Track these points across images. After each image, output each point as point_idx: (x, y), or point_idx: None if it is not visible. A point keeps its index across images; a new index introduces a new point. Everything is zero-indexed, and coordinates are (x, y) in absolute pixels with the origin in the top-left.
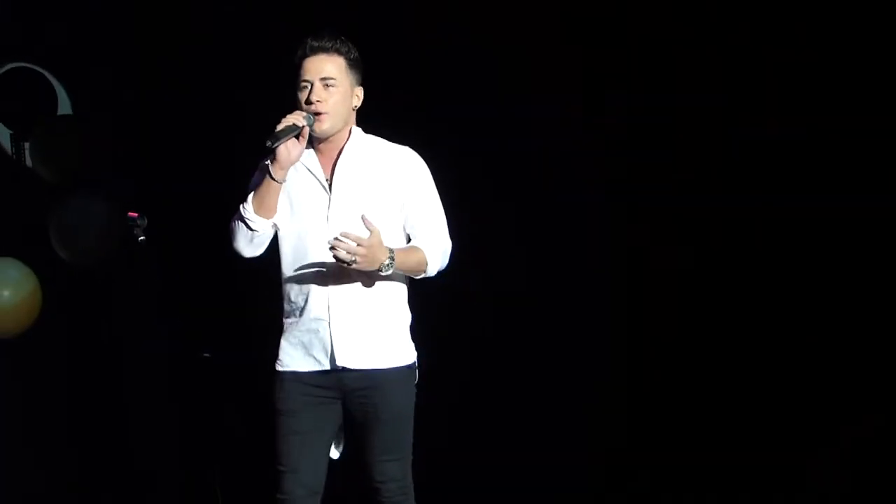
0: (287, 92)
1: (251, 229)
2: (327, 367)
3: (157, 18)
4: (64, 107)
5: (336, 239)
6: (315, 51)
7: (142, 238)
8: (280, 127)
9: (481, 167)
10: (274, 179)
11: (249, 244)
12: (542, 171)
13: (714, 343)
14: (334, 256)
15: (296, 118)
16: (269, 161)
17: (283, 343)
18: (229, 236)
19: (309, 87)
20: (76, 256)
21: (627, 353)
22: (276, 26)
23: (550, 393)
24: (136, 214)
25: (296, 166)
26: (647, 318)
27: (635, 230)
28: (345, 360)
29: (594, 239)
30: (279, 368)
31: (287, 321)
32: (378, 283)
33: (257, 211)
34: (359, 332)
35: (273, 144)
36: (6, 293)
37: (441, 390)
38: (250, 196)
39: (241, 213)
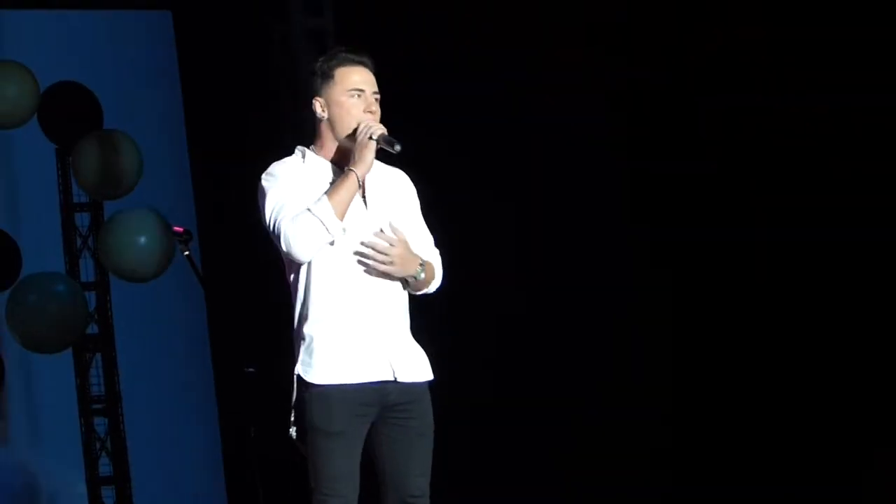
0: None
1: (331, 234)
2: (380, 378)
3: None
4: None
5: (373, 239)
6: (360, 63)
7: (187, 253)
8: (382, 132)
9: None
10: (359, 183)
11: (316, 249)
12: (547, 178)
13: (733, 358)
14: (369, 256)
15: (371, 126)
16: (352, 166)
17: (320, 355)
18: (289, 239)
19: (363, 96)
20: (122, 271)
21: (636, 364)
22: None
23: (556, 405)
24: (181, 230)
25: (312, 181)
26: (653, 327)
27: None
28: (401, 373)
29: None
30: (320, 382)
31: (318, 330)
32: (405, 297)
33: (338, 216)
34: (407, 344)
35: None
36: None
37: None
38: (325, 199)
39: (318, 218)
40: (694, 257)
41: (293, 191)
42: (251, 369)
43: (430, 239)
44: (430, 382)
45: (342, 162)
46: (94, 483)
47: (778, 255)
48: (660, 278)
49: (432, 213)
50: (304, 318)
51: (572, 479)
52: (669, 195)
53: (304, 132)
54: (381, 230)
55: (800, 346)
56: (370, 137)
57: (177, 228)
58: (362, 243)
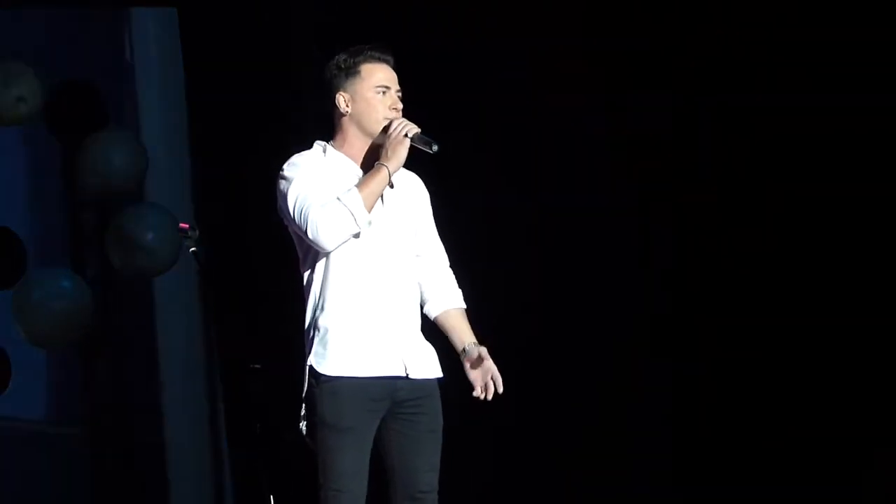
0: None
1: (358, 226)
2: (392, 374)
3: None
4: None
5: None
6: (385, 61)
7: (193, 249)
8: (417, 131)
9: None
10: (389, 178)
11: (342, 239)
12: (551, 179)
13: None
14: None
15: (406, 125)
16: (384, 161)
17: (334, 346)
18: (317, 226)
19: (388, 93)
20: (130, 267)
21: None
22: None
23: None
24: (187, 226)
25: (333, 176)
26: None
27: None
28: (413, 369)
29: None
30: (332, 373)
31: (333, 322)
32: (417, 296)
33: (367, 208)
34: (418, 342)
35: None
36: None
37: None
38: (356, 190)
39: (348, 208)
40: (696, 258)
41: (319, 180)
42: (257, 366)
43: (441, 247)
44: (439, 380)
45: (363, 158)
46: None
47: (780, 256)
48: (665, 280)
49: (438, 212)
50: (319, 309)
51: (577, 479)
52: (673, 195)
53: (306, 129)
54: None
55: (800, 347)
56: (405, 135)
57: (182, 224)
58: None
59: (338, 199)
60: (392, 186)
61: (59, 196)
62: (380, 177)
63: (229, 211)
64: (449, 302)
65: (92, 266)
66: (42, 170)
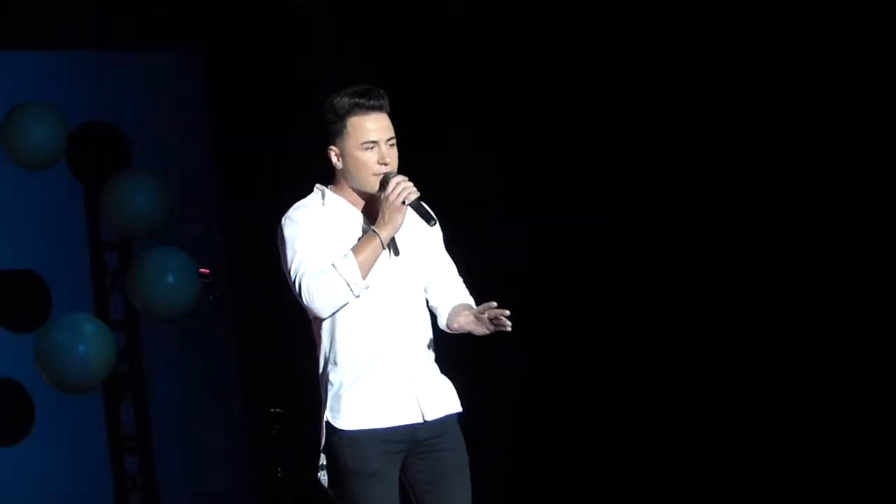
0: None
1: (354, 294)
2: (409, 422)
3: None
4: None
5: None
6: (373, 109)
7: (213, 295)
8: (417, 196)
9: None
10: (383, 246)
11: (338, 307)
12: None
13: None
14: None
15: (406, 189)
16: (378, 227)
17: (348, 401)
18: (312, 295)
19: (376, 147)
20: (151, 309)
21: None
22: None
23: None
24: (207, 271)
25: (334, 224)
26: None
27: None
28: (429, 411)
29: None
30: (350, 428)
31: (345, 377)
32: (429, 333)
33: (362, 276)
34: (433, 381)
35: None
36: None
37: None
38: (352, 258)
39: (343, 278)
40: (700, 260)
41: (316, 241)
42: (278, 410)
43: (452, 268)
44: (459, 415)
45: (363, 203)
46: None
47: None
48: (682, 295)
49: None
50: (330, 364)
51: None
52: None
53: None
54: None
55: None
56: (403, 202)
57: (203, 270)
58: None
59: (333, 266)
60: (397, 253)
61: (83, 238)
62: (373, 245)
63: (253, 252)
64: (457, 302)
65: (115, 309)
66: (66, 212)
